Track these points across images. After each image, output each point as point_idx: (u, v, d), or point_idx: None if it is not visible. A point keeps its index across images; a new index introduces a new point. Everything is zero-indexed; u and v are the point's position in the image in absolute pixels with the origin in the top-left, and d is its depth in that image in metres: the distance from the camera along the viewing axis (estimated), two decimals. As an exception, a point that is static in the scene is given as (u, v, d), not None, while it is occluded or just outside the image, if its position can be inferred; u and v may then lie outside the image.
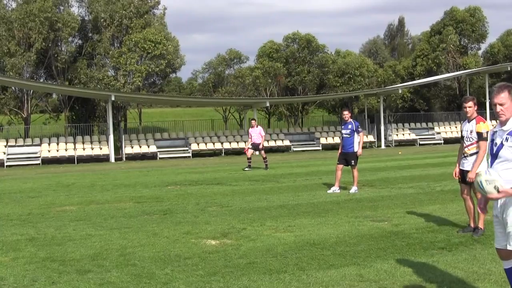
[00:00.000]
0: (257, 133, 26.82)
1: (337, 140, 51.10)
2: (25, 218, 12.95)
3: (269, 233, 10.32)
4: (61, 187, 21.04)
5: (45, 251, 9.20)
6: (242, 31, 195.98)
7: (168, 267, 7.93)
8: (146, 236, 10.26)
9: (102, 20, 50.22)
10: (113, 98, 42.40)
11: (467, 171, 9.69)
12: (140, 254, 8.81)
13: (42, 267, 8.18)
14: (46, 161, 41.94)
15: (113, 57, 49.63)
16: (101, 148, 43.52)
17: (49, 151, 43.19)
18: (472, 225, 9.77)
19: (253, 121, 27.75)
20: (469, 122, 9.87)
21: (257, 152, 27.95)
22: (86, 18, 53.96)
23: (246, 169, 26.01)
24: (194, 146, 46.02)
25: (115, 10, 49.81)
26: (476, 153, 9.68)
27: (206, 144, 46.38)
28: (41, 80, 52.01)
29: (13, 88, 49.77)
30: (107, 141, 43.82)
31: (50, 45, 48.85)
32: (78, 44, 54.06)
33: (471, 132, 9.77)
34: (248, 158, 26.66)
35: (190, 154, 44.97)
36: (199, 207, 13.99)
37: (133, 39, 48.97)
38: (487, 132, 9.47)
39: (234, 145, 47.10)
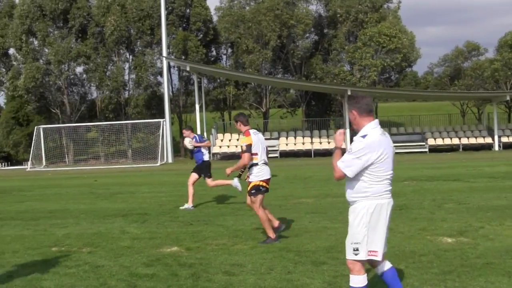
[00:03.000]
0: None
1: None
2: (264, 209, 13.45)
3: (508, 233, 9.78)
4: (298, 179, 21.66)
5: (282, 242, 9.51)
6: (479, 22, 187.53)
7: (402, 263, 7.78)
8: (381, 231, 10.15)
9: (338, 15, 50.98)
10: (349, 93, 42.76)
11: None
12: (374, 249, 8.73)
13: (279, 256, 8.46)
14: (284, 154, 43.47)
15: (349, 52, 50.14)
16: (337, 143, 44.03)
17: (286, 144, 44.74)
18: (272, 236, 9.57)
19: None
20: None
21: None
22: (322, 15, 55.08)
23: None
24: (430, 141, 44.99)
25: (351, 5, 50.31)
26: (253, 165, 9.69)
27: (443, 139, 45.07)
28: (279, 76, 54.02)
29: (252, 83, 52.35)
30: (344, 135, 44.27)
31: (285, 41, 50.53)
32: (314, 40, 55.34)
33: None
34: None
35: (426, 149, 44.04)
36: (436, 203, 13.63)
37: (368, 34, 49.02)
38: (246, 145, 9.56)
39: (472, 140, 45.23)
